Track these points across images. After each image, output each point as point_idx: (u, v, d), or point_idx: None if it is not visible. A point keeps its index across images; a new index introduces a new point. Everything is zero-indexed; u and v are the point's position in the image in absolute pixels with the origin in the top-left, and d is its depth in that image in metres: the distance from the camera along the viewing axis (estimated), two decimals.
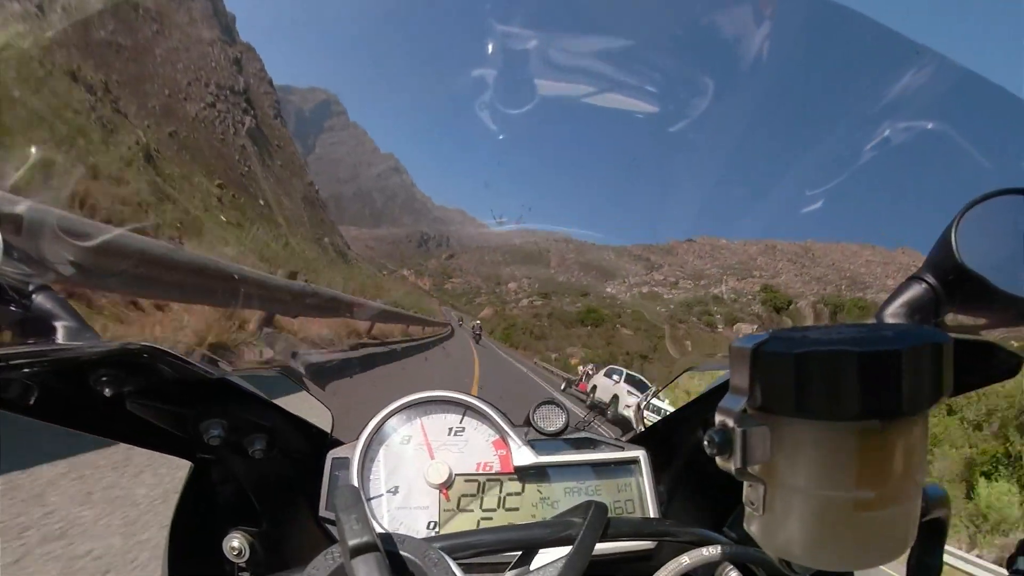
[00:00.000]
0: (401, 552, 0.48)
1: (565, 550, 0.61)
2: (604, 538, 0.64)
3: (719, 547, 0.66)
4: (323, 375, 1.20)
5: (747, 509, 0.49)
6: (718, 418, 0.46)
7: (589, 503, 0.66)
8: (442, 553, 0.49)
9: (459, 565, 0.51)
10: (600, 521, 0.63)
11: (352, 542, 0.42)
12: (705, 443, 0.47)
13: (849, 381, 0.39)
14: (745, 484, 0.48)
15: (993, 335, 0.73)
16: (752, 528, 0.49)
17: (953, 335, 0.43)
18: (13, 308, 0.67)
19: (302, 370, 1.06)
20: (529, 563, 0.65)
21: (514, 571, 0.65)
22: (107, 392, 0.72)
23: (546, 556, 0.63)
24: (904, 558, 0.59)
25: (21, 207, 0.80)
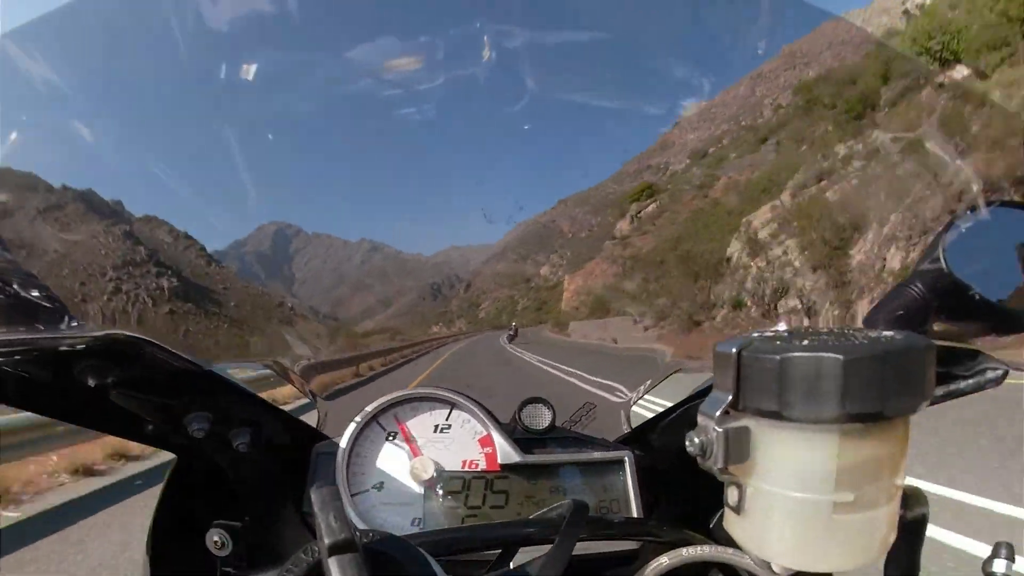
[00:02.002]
0: (380, 550, 0.48)
1: (546, 549, 0.61)
2: (585, 537, 0.64)
3: (699, 547, 0.66)
4: (314, 372, 1.19)
5: (727, 510, 0.49)
6: (700, 419, 0.46)
7: (570, 502, 0.66)
8: (422, 551, 0.49)
9: (440, 563, 0.51)
10: (580, 520, 0.63)
11: (329, 540, 0.41)
12: (687, 444, 0.47)
13: (831, 386, 0.39)
14: (726, 485, 0.48)
15: (981, 344, 0.74)
16: (732, 529, 0.49)
17: (940, 342, 0.44)
18: None
19: (290, 365, 1.06)
20: (509, 561, 0.65)
21: (494, 570, 0.65)
22: (91, 382, 0.71)
23: (528, 555, 0.63)
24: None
25: (4, 194, 0.79)
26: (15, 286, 0.67)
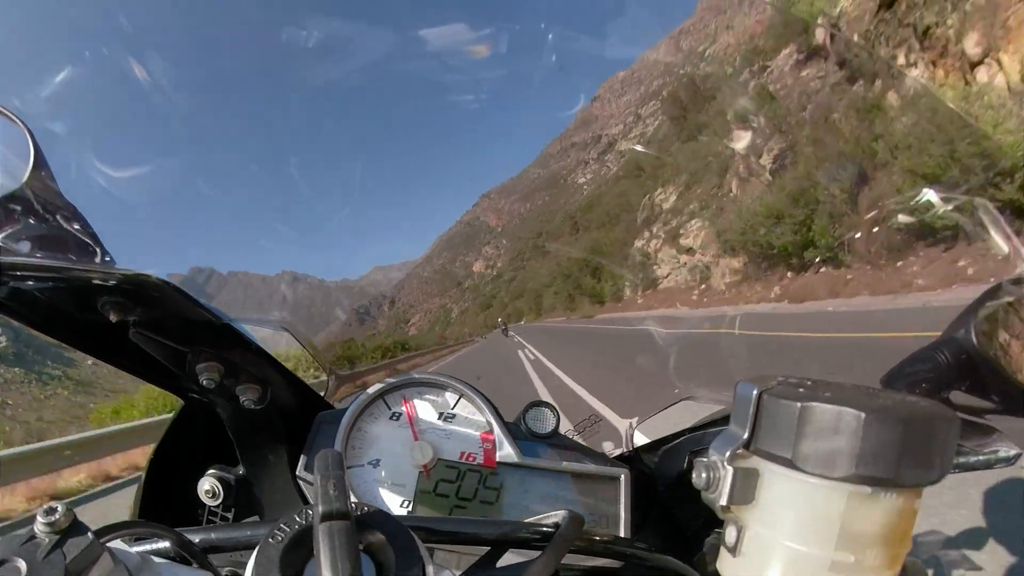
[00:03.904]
0: (372, 524, 0.48)
1: (533, 553, 0.61)
2: (575, 551, 0.64)
3: None
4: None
5: (722, 549, 0.49)
6: (712, 453, 0.46)
7: (567, 512, 0.66)
8: (412, 534, 0.50)
9: (428, 548, 0.51)
10: (575, 532, 0.63)
11: (324, 507, 0.42)
12: (694, 475, 0.47)
13: (847, 443, 0.38)
14: (725, 523, 0.48)
15: (996, 421, 0.73)
16: (725, 568, 0.49)
17: (960, 415, 0.43)
18: (38, 222, 0.67)
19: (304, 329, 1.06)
20: (496, 561, 0.65)
21: (479, 566, 0.65)
22: (112, 317, 0.72)
23: (514, 556, 0.63)
24: None
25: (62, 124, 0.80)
26: (57, 216, 0.68)
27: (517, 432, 0.99)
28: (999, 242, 0.75)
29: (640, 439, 1.10)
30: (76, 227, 0.69)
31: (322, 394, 1.02)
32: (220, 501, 0.92)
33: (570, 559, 0.82)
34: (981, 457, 0.72)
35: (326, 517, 0.42)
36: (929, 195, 0.88)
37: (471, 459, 0.96)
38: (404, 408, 0.98)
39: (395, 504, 0.92)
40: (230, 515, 0.94)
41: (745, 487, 0.44)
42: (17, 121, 0.65)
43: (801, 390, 0.42)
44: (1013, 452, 0.70)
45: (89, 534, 0.42)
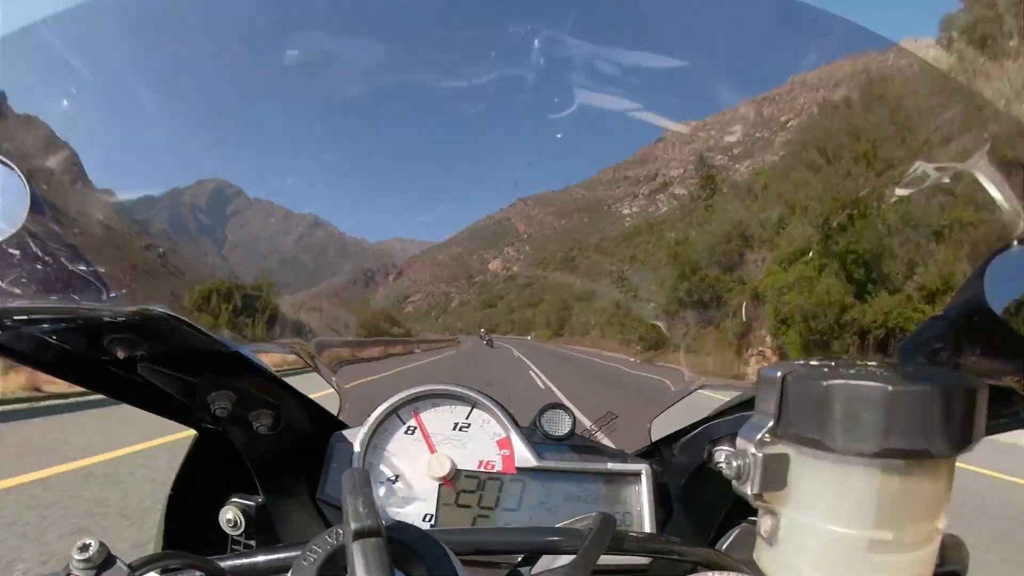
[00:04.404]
0: (404, 540, 0.48)
1: (566, 559, 0.60)
2: (609, 551, 0.64)
3: (726, 573, 0.66)
4: (337, 358, 1.20)
5: (758, 539, 0.48)
6: (739, 441, 0.45)
7: (600, 514, 0.65)
8: (445, 547, 0.49)
9: (460, 561, 0.50)
10: (607, 534, 0.63)
11: (356, 525, 0.41)
12: (721, 465, 0.47)
13: (877, 418, 0.38)
14: (760, 513, 0.47)
15: (1013, 383, 0.72)
16: (761, 559, 0.49)
17: (985, 380, 0.43)
18: (38, 266, 0.67)
19: (315, 351, 1.06)
20: (530, 568, 0.65)
21: (516, 575, 0.65)
22: (120, 354, 0.72)
23: (547, 561, 0.63)
24: None
25: (55, 159, 0.80)
26: (58, 257, 0.68)
27: (533, 436, 0.99)
28: (1002, 203, 0.75)
29: (656, 434, 1.09)
30: (78, 267, 0.69)
31: (335, 412, 1.01)
32: (243, 530, 0.91)
33: (603, 560, 0.82)
34: (1001, 420, 0.72)
35: (358, 535, 0.41)
36: (923, 167, 0.88)
37: (490, 467, 0.96)
38: (417, 422, 0.97)
39: (418, 518, 0.91)
40: (253, 543, 0.94)
41: (776, 473, 0.43)
42: (13, 167, 0.65)
43: (825, 370, 0.42)
44: None
45: (124, 567, 0.41)
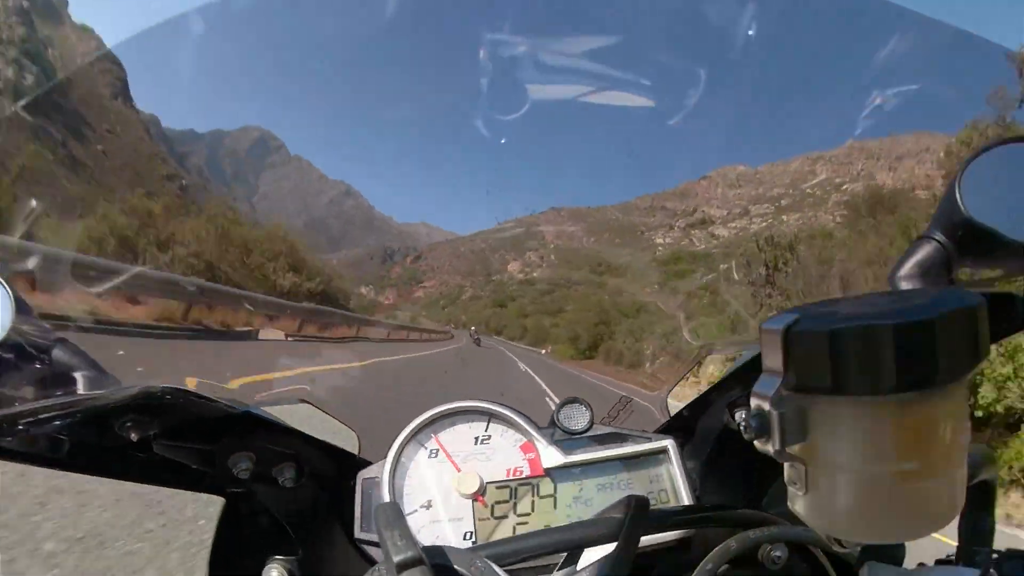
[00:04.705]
0: (447, 564, 0.48)
1: (610, 547, 0.61)
2: (648, 531, 0.64)
3: (766, 528, 0.66)
4: (345, 396, 1.20)
5: (790, 489, 0.48)
6: (753, 401, 0.45)
7: (630, 498, 0.65)
8: (488, 562, 0.49)
9: (506, 571, 0.51)
10: (642, 515, 0.63)
11: (398, 558, 0.42)
12: (742, 427, 0.47)
13: (885, 355, 0.38)
14: (786, 465, 0.47)
15: (1008, 285, 0.73)
16: (797, 507, 0.49)
17: (981, 291, 0.43)
18: (35, 364, 0.67)
19: (324, 395, 1.06)
20: (575, 564, 0.65)
21: (560, 573, 0.65)
22: (133, 437, 0.72)
23: (591, 555, 0.63)
24: (955, 524, 0.59)
25: (32, 260, 0.80)
26: (51, 353, 0.68)
27: (555, 435, 0.99)
28: None
29: (674, 407, 1.10)
30: (70, 358, 0.69)
31: (355, 452, 1.01)
32: None
33: (646, 540, 0.82)
34: (1005, 324, 0.72)
35: (401, 567, 0.41)
36: None
37: (518, 473, 0.96)
38: (438, 444, 0.97)
39: (458, 538, 0.91)
40: None
41: (794, 426, 0.43)
42: None
43: (825, 315, 0.42)
44: None
45: None
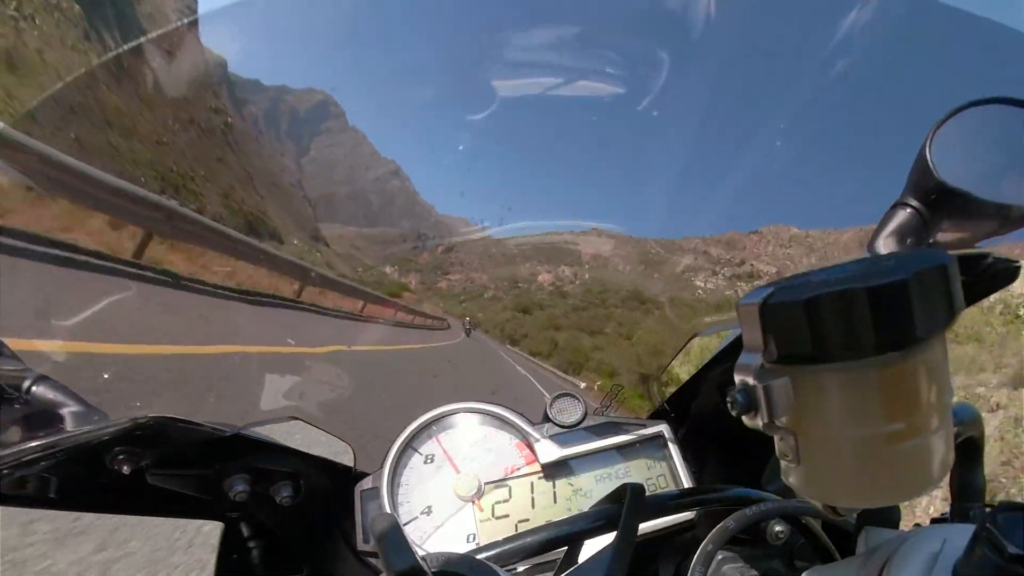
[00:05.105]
0: (447, 570, 0.48)
1: (611, 537, 0.61)
2: (646, 517, 0.64)
3: (762, 504, 0.66)
4: (335, 408, 1.19)
5: (782, 462, 0.49)
6: (737, 377, 0.46)
7: (625, 486, 0.65)
8: (490, 564, 0.49)
9: (508, 571, 0.50)
10: (639, 502, 0.63)
11: (396, 569, 0.41)
12: (728, 404, 0.47)
13: (861, 318, 0.38)
14: (776, 437, 0.48)
15: (985, 246, 0.74)
16: (790, 479, 0.49)
17: (952, 252, 0.43)
18: (16, 405, 0.66)
19: (315, 411, 1.06)
20: (576, 557, 0.65)
21: (563, 569, 0.65)
22: (125, 469, 0.71)
23: (592, 547, 0.63)
24: (947, 483, 0.59)
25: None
26: (31, 391, 0.67)
27: (548, 429, 0.99)
28: None
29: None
30: (53, 395, 0.68)
31: (351, 465, 1.01)
32: None
33: (647, 526, 0.82)
34: (984, 283, 0.73)
35: None
36: None
37: (516, 471, 0.96)
38: (434, 449, 0.97)
39: (460, 542, 0.91)
40: None
41: (781, 398, 0.43)
42: None
43: (799, 285, 0.42)
44: (1012, 267, 0.71)
45: None
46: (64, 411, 0.69)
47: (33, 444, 0.64)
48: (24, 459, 0.63)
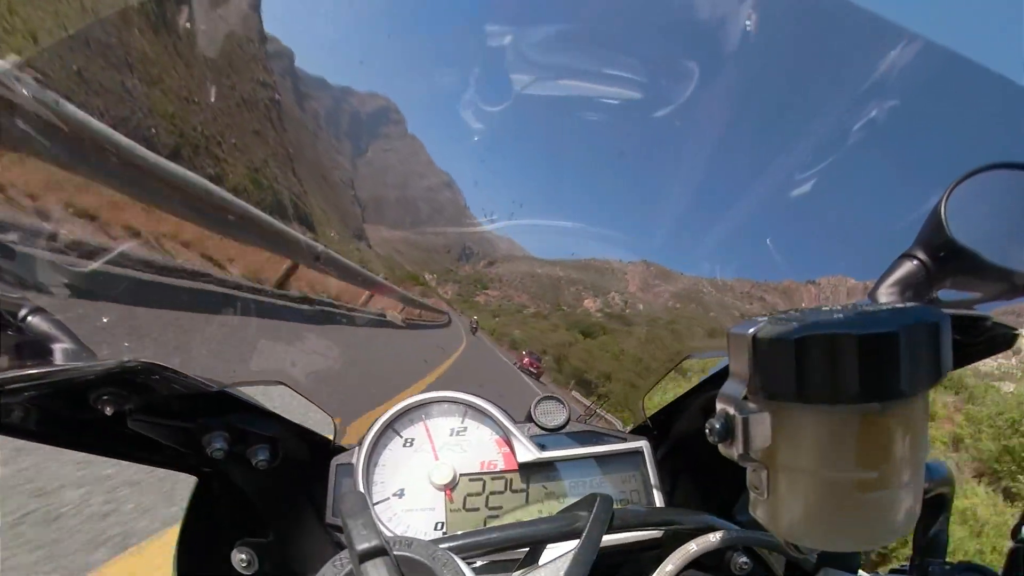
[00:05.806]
0: (409, 555, 0.48)
1: (573, 544, 0.61)
2: (611, 530, 0.64)
3: (726, 532, 0.67)
4: (324, 380, 1.20)
5: (752, 494, 0.49)
6: (719, 405, 0.46)
7: (594, 496, 0.66)
8: (451, 554, 0.49)
9: (469, 565, 0.51)
10: (606, 513, 0.63)
11: (360, 547, 0.42)
12: (707, 431, 0.47)
13: (848, 365, 0.39)
14: (748, 469, 0.48)
15: (987, 309, 0.74)
16: (757, 512, 0.50)
17: (948, 311, 0.44)
18: (9, 332, 0.66)
19: (303, 379, 1.06)
20: (537, 559, 0.65)
21: (522, 568, 0.65)
22: (108, 411, 0.71)
23: (554, 551, 0.63)
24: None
25: (12, 233, 0.79)
26: (26, 320, 0.67)
27: (530, 430, 1.00)
28: None
29: (650, 410, 1.10)
30: (47, 328, 0.68)
31: (330, 438, 1.01)
32: (256, 569, 0.91)
33: (613, 539, 0.82)
34: (980, 347, 0.73)
35: (363, 557, 0.41)
36: None
37: (492, 467, 0.96)
38: (415, 433, 0.98)
39: (428, 529, 0.92)
40: None
41: (758, 432, 0.44)
42: None
43: (793, 323, 0.42)
44: (1010, 334, 0.71)
45: None
46: (56, 346, 0.70)
47: (20, 373, 0.64)
48: (8, 387, 0.64)
